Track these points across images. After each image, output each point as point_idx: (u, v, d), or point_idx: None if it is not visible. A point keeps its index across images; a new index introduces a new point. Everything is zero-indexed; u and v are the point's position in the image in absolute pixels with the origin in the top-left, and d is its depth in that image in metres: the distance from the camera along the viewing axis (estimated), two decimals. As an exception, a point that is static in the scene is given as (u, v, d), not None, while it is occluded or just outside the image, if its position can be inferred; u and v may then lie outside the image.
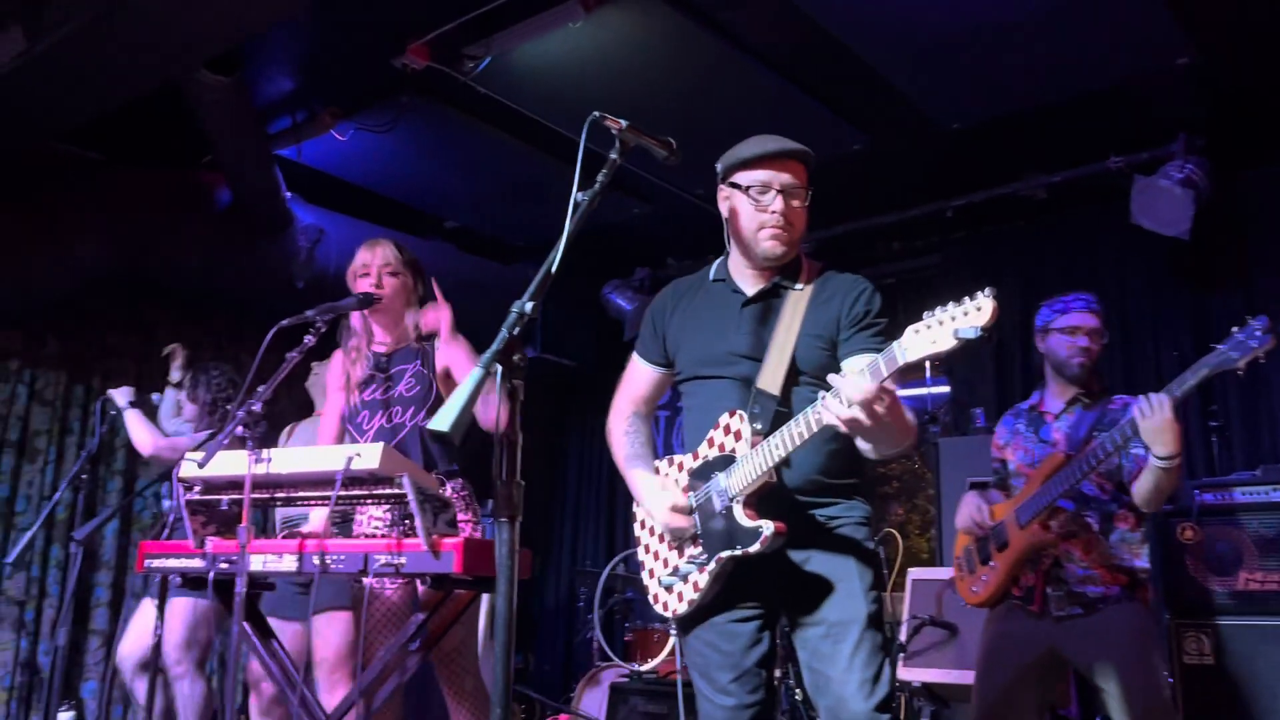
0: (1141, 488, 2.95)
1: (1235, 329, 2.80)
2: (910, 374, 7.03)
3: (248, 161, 4.90)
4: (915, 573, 4.33)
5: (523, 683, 6.29)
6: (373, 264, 3.17)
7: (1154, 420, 2.81)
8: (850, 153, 5.16)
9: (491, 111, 4.87)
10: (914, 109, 4.73)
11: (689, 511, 2.32)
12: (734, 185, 2.42)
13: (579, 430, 7.52)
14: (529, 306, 1.83)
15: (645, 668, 4.65)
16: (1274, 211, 5.04)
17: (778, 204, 2.35)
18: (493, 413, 1.74)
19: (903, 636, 4.08)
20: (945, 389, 6.48)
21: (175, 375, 4.83)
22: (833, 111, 4.80)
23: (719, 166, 2.45)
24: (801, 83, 4.58)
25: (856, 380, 2.02)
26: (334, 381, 3.30)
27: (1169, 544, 3.66)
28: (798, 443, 2.16)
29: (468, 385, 1.73)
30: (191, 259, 5.24)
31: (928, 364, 6.50)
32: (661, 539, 2.42)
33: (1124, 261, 5.46)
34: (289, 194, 5.37)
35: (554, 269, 1.91)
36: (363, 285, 3.13)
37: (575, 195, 2.01)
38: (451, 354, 3.10)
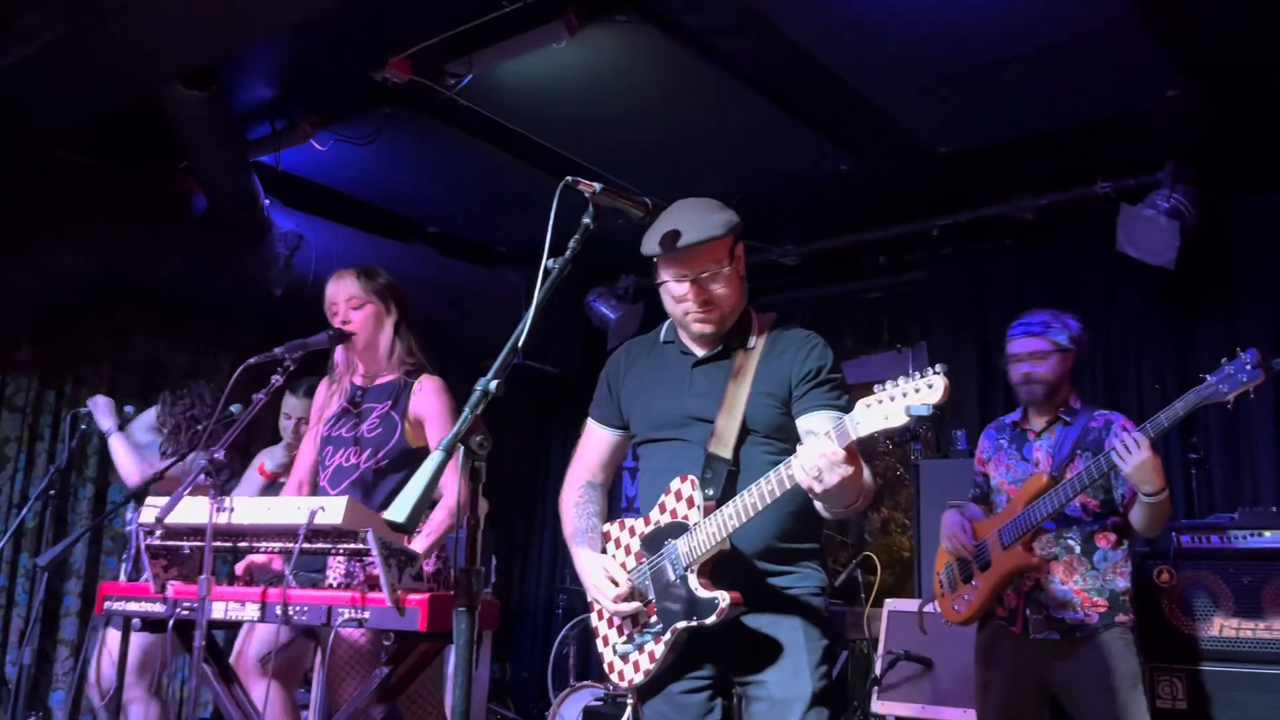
0: (1135, 519, 3.01)
1: (1225, 361, 2.80)
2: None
3: (224, 169, 4.82)
4: (893, 604, 4.31)
5: (500, 694, 6.26)
6: (337, 299, 3.09)
7: (1132, 461, 2.84)
8: (838, 173, 5.12)
9: (475, 124, 4.80)
10: (903, 133, 4.69)
11: (632, 598, 2.29)
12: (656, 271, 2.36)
13: (561, 438, 7.47)
14: (493, 385, 1.79)
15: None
16: (1260, 241, 5.01)
17: (693, 294, 2.29)
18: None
19: (878, 670, 4.06)
20: (928, 424, 6.45)
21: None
22: (821, 134, 4.75)
23: (642, 249, 2.34)
24: (789, 106, 4.52)
25: (822, 442, 2.02)
26: (314, 412, 3.26)
27: (1145, 586, 3.64)
28: (752, 514, 2.14)
29: (426, 471, 1.68)
30: (168, 264, 5.15)
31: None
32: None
33: (1111, 284, 5.43)
34: (267, 200, 5.29)
35: (520, 343, 1.88)
36: (334, 323, 3.07)
37: (545, 263, 1.96)
38: (428, 405, 3.03)
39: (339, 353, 3.20)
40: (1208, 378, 2.81)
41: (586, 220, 2.05)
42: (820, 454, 2.00)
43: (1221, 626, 3.52)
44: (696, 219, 2.27)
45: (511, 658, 7.19)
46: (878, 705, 4.05)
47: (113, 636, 4.18)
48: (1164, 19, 3.75)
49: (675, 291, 2.33)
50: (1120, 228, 4.80)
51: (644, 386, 2.46)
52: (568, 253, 1.99)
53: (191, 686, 2.54)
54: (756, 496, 2.12)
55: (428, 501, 1.67)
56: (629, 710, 4.07)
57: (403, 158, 5.28)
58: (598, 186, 2.05)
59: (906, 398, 1.96)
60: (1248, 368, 2.72)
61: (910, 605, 4.28)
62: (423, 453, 2.99)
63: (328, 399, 3.21)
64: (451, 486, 2.82)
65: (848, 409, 2.36)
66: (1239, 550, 3.55)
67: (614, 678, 2.37)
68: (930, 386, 1.94)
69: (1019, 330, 3.30)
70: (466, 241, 6.51)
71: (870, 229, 5.85)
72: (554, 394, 7.29)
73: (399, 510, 1.63)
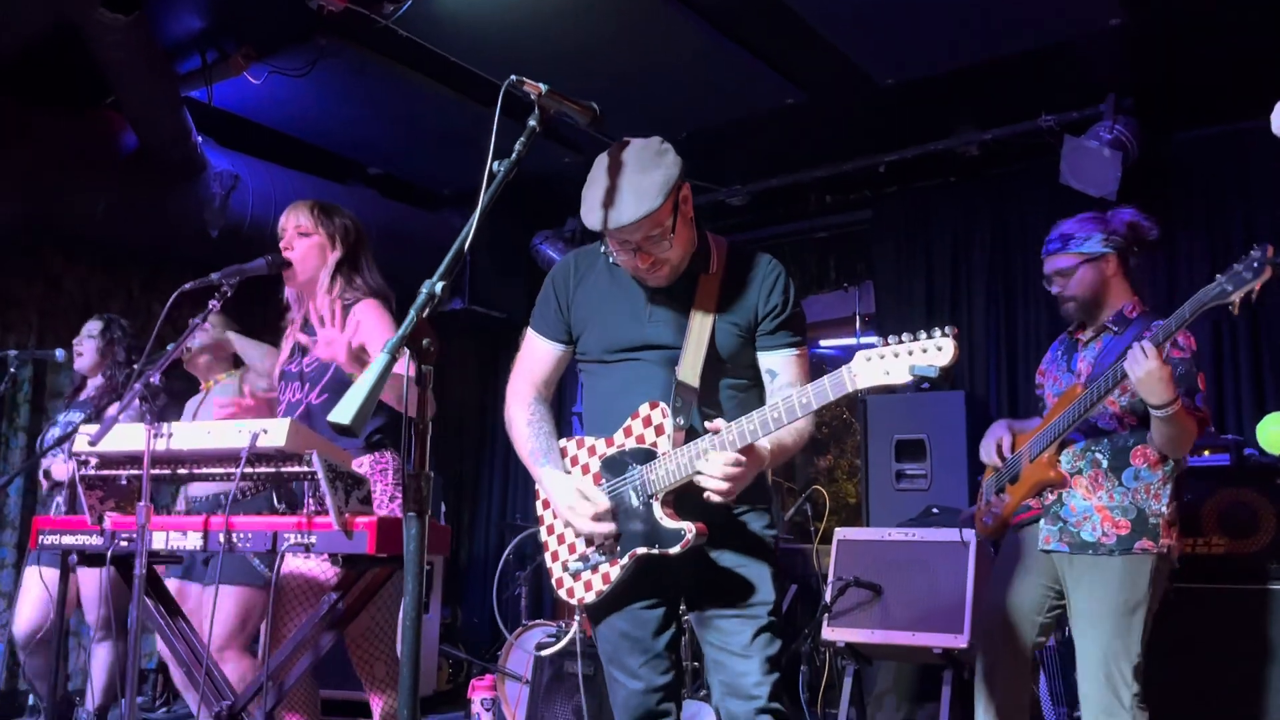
0: (1153, 437, 2.82)
1: (1237, 262, 2.58)
2: (838, 327, 6.91)
3: (154, 104, 4.64)
4: (841, 533, 4.34)
5: (451, 638, 6.24)
6: (287, 227, 3.03)
7: (1139, 370, 2.65)
8: (785, 107, 5.08)
9: (415, 56, 4.67)
10: (849, 64, 4.65)
11: (611, 518, 2.25)
12: None
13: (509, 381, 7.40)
14: (438, 287, 1.73)
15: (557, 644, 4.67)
16: (1199, 174, 5.09)
17: (640, 259, 2.22)
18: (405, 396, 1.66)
19: (827, 597, 4.10)
20: (873, 340, 6.52)
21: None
22: (768, 66, 4.70)
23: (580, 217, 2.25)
24: (737, 37, 4.46)
25: (723, 456, 2.08)
26: (283, 352, 3.17)
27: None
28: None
29: (373, 372, 1.63)
30: (97, 204, 4.96)
31: (858, 318, 6.64)
32: (568, 523, 2.35)
33: (1052, 219, 5.43)
34: (200, 137, 5.11)
35: (467, 245, 1.82)
36: (283, 251, 3.00)
37: (491, 165, 1.90)
38: (365, 329, 2.93)
39: (288, 290, 3.11)
40: (1218, 276, 2.62)
41: (532, 123, 1.99)
42: (724, 468, 2.07)
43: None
44: (630, 188, 2.14)
45: (462, 603, 7.18)
46: (828, 633, 4.09)
47: (29, 577, 4.10)
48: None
49: (620, 257, 2.27)
50: (1064, 159, 4.83)
51: (598, 307, 2.38)
52: (514, 155, 1.92)
53: (132, 624, 2.45)
54: (735, 435, 2.10)
55: (373, 404, 1.61)
56: (574, 628, 4.07)
57: (341, 94, 5.13)
58: (544, 87, 1.99)
59: (912, 356, 1.93)
60: (1255, 264, 2.54)
61: (859, 534, 4.33)
62: None
63: (286, 337, 3.14)
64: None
65: (806, 343, 2.39)
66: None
67: (562, 594, 2.36)
68: (940, 349, 1.91)
69: (1047, 248, 3.14)
70: (408, 184, 6.38)
71: (817, 166, 5.84)
72: (501, 339, 7.22)
73: (344, 411, 1.58)
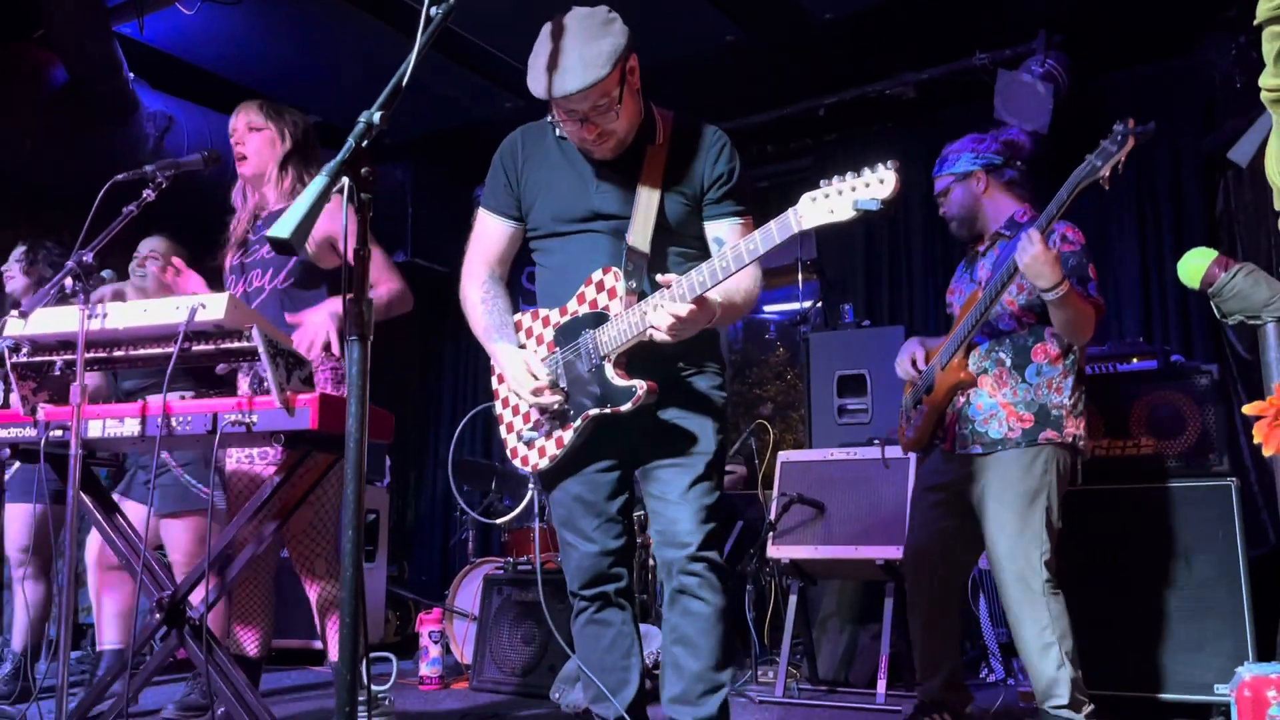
0: (1054, 323, 2.92)
1: (1103, 139, 2.74)
2: (781, 275, 6.96)
3: (83, 34, 4.53)
4: (785, 455, 4.40)
5: (399, 586, 6.21)
6: (237, 125, 3.07)
7: (1025, 256, 2.77)
8: (723, 45, 5.11)
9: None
10: (788, -2, 4.70)
11: (555, 388, 2.29)
12: None
13: (454, 337, 7.38)
14: (377, 117, 1.75)
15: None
16: (1127, 110, 5.15)
17: (586, 130, 2.24)
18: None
19: (771, 515, 4.15)
20: (817, 304, 6.59)
21: None
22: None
23: (528, 84, 2.25)
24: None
25: (673, 306, 2.10)
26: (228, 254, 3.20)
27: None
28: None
29: (311, 192, 1.62)
30: (23, 144, 4.85)
31: (799, 264, 6.71)
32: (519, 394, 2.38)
33: (988, 162, 5.59)
34: (132, 76, 5.01)
35: (405, 81, 1.82)
36: (236, 153, 3.03)
37: (427, 10, 1.90)
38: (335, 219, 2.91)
39: (236, 194, 3.15)
40: (1087, 156, 2.77)
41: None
42: (673, 315, 2.09)
43: (1093, 448, 3.68)
44: (578, 57, 2.15)
45: (410, 558, 7.15)
46: (773, 550, 4.14)
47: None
48: None
49: (567, 128, 2.28)
50: (998, 94, 4.94)
51: (545, 179, 2.40)
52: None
53: (69, 510, 2.41)
54: (686, 288, 2.13)
55: (313, 221, 1.61)
56: (530, 493, 4.08)
57: (277, 30, 5.06)
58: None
59: (855, 192, 1.97)
60: (1119, 138, 2.71)
61: (802, 455, 4.38)
62: (332, 274, 2.94)
63: (233, 231, 3.16)
64: (384, 281, 2.90)
65: (753, 212, 2.42)
66: (1109, 375, 3.73)
67: (517, 463, 2.39)
68: (881, 181, 1.95)
69: (936, 170, 3.30)
70: (348, 132, 6.29)
71: (758, 111, 5.89)
72: (445, 292, 7.14)
73: (284, 226, 1.58)
